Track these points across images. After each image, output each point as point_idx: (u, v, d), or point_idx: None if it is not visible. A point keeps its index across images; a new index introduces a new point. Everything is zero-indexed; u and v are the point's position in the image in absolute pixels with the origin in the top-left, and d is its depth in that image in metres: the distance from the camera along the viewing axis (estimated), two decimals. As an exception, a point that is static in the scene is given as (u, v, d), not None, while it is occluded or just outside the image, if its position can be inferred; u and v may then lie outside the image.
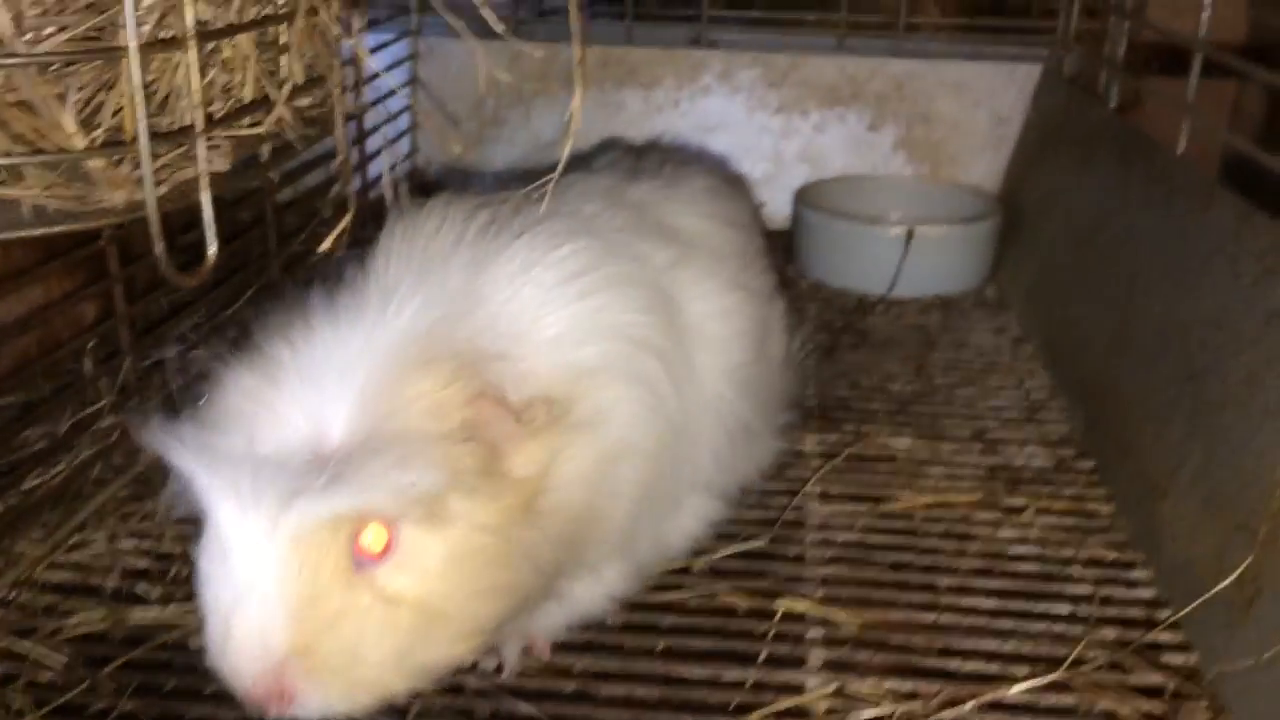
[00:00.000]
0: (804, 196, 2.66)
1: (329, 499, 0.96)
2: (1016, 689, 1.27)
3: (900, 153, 2.90)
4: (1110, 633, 1.39)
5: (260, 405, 1.02)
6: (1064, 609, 1.44)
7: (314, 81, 1.21)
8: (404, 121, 2.86)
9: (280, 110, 1.08)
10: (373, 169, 2.60)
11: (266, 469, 0.97)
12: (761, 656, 1.36)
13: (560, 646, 1.36)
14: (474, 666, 1.31)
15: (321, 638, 1.00)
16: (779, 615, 1.42)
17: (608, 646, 1.37)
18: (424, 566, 1.03)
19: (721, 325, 1.39)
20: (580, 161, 1.63)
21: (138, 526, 1.56)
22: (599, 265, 1.21)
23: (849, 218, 2.56)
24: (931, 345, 2.26)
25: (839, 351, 2.22)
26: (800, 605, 1.43)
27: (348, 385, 1.02)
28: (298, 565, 0.98)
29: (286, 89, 1.09)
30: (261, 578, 0.98)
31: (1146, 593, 1.47)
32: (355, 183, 2.38)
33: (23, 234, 0.92)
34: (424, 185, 2.84)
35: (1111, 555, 1.55)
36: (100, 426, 1.66)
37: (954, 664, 1.34)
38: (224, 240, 1.09)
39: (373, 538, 1.02)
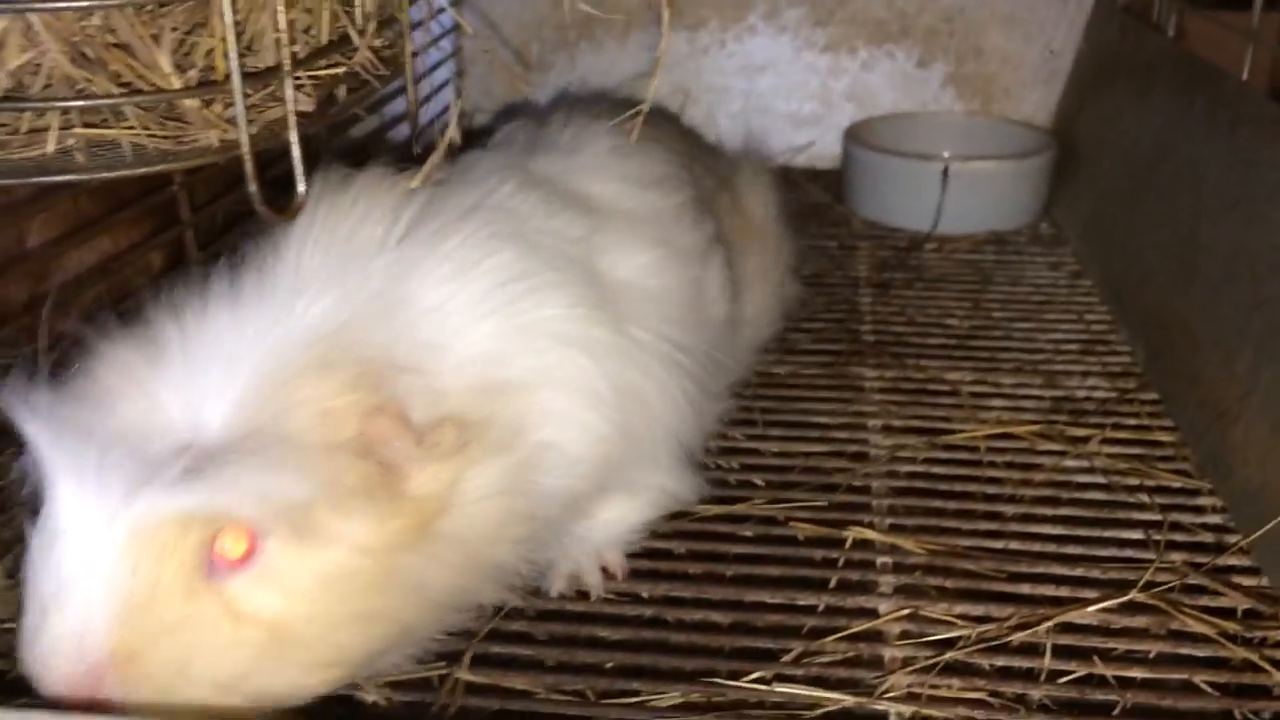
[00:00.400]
0: (854, 134, 2.64)
1: (180, 494, 0.87)
2: (1091, 609, 1.28)
3: (950, 89, 2.87)
4: (1179, 557, 1.40)
5: (134, 385, 0.93)
6: (1132, 535, 1.45)
7: (385, 22, 1.21)
8: (446, 71, 2.86)
9: (363, 50, 1.09)
10: (421, 115, 2.60)
11: (117, 450, 0.88)
12: (832, 583, 1.38)
13: (632, 574, 1.38)
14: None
15: (149, 647, 0.89)
16: (848, 543, 1.44)
17: (680, 575, 1.39)
18: (286, 585, 0.92)
19: (646, 283, 1.29)
20: (482, 135, 1.50)
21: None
22: (527, 274, 1.13)
23: (898, 155, 2.54)
24: (987, 281, 2.25)
25: (893, 288, 2.22)
26: (869, 534, 1.45)
27: (233, 377, 0.93)
28: (134, 562, 0.88)
29: (371, 27, 1.10)
30: (91, 570, 0.88)
31: (1215, 519, 1.48)
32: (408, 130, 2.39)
33: (124, 173, 0.94)
34: (469, 132, 2.85)
35: (1178, 483, 1.55)
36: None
37: (1024, 588, 1.35)
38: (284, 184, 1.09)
39: (231, 544, 0.91)
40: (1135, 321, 1.96)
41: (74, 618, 0.88)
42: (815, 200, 2.67)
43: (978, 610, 1.31)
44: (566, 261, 1.18)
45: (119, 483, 0.87)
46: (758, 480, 1.57)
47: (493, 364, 1.06)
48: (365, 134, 2.47)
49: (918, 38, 2.85)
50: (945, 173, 2.41)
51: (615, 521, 1.35)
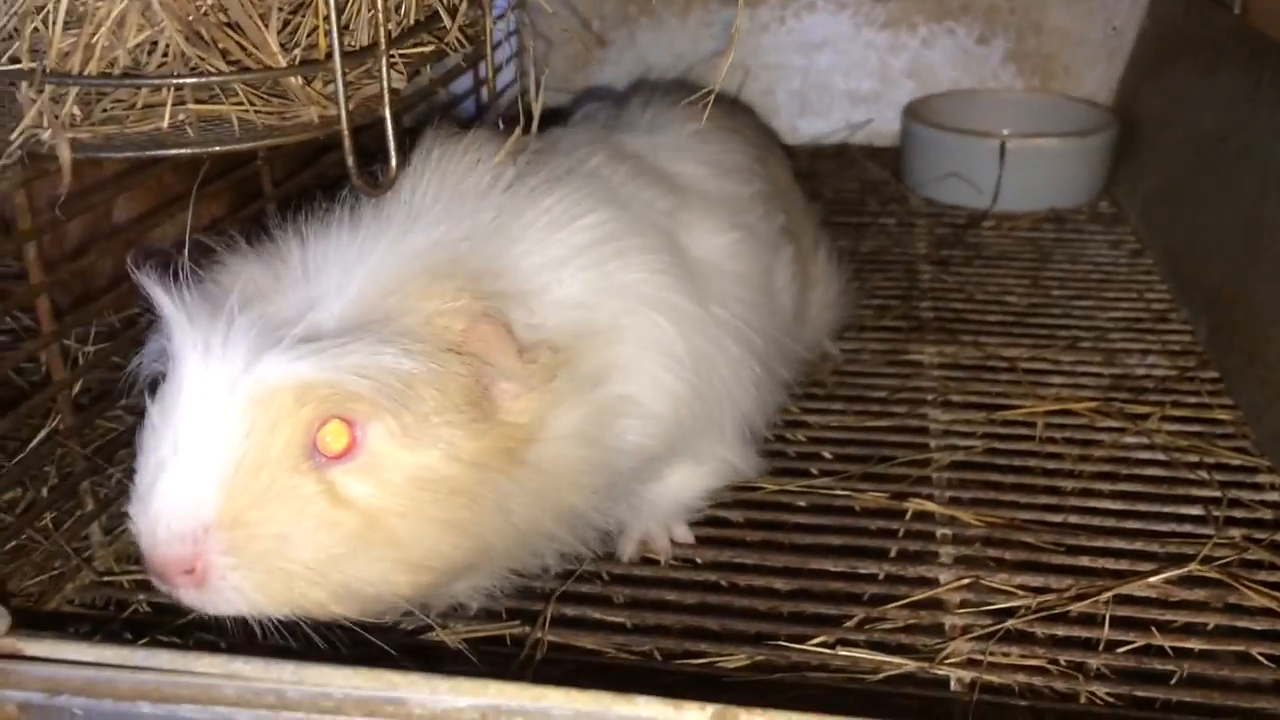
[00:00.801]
0: (913, 111, 2.65)
1: (300, 362, 0.92)
2: (1151, 580, 1.30)
3: (1010, 66, 2.86)
4: (1238, 533, 1.41)
5: (256, 285, 1.02)
6: (1191, 510, 1.47)
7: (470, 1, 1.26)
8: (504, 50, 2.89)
9: (454, 29, 1.13)
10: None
11: (243, 323, 0.94)
12: (892, 552, 1.41)
13: (697, 541, 1.42)
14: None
15: (254, 511, 0.94)
16: (909, 514, 1.47)
17: (741, 543, 1.43)
18: (384, 478, 0.98)
19: (724, 263, 1.35)
20: (557, 116, 1.54)
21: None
22: (619, 236, 1.19)
23: (956, 131, 2.54)
24: (1046, 259, 2.26)
25: (952, 265, 2.23)
26: (929, 505, 1.48)
27: (350, 281, 1.00)
28: (249, 426, 0.93)
29: (464, 5, 1.14)
30: (207, 433, 0.93)
31: (1275, 496, 1.49)
32: (470, 106, 2.44)
33: (233, 147, 1.00)
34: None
35: (1238, 460, 1.57)
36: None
37: (1083, 560, 1.38)
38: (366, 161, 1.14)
39: (333, 437, 0.97)
40: (1196, 299, 1.96)
41: (186, 478, 0.93)
42: (874, 178, 2.69)
43: (1037, 581, 1.34)
44: (654, 230, 1.25)
45: (241, 350, 0.93)
46: (821, 453, 1.61)
47: (583, 311, 1.13)
48: (428, 110, 2.51)
49: (978, 14, 2.85)
50: (1003, 149, 2.41)
51: (681, 488, 1.39)
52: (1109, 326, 1.97)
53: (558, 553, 1.23)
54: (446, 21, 1.14)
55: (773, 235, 1.50)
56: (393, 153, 1.08)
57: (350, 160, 1.03)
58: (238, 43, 0.99)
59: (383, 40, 1.04)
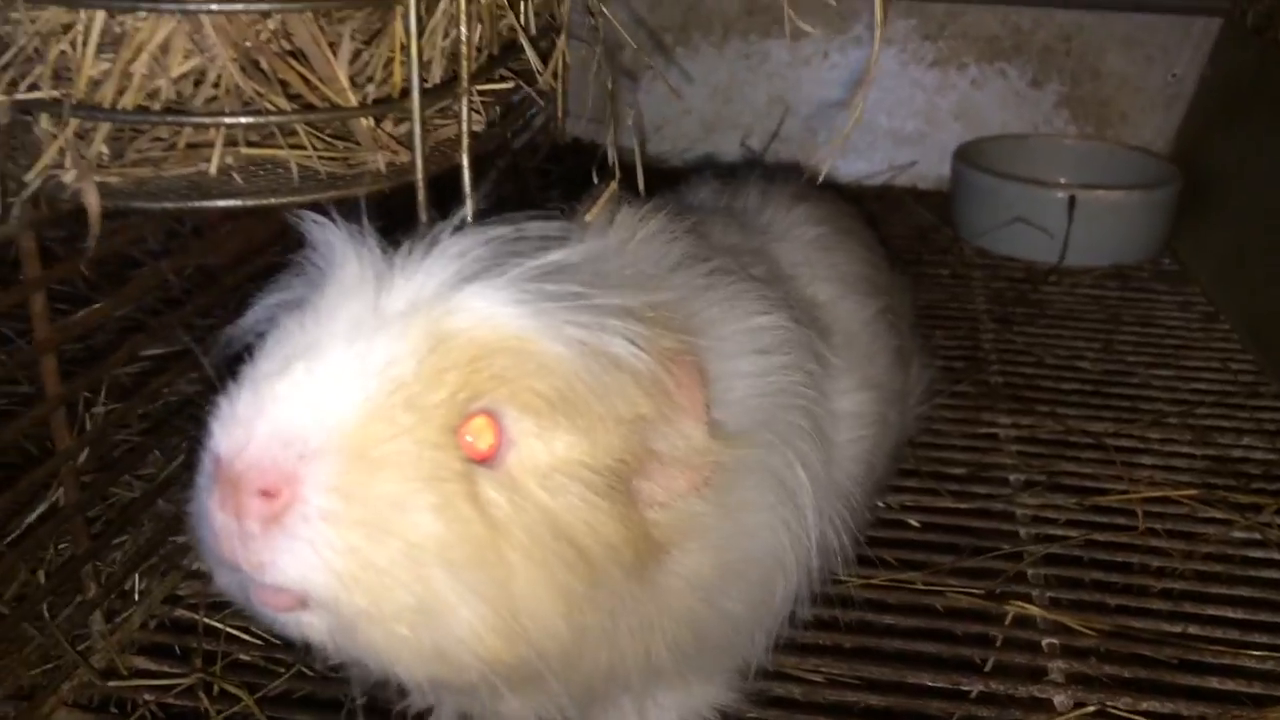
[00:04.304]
0: (964, 155, 2.51)
1: (509, 304, 0.75)
2: (1304, 718, 1.15)
3: (1063, 111, 2.73)
4: (1376, 652, 1.27)
5: None
6: (1321, 623, 1.32)
7: (542, 31, 1.10)
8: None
9: (535, 61, 0.98)
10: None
11: (452, 243, 0.77)
12: (991, 663, 1.26)
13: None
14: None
15: (381, 462, 0.73)
16: (1009, 619, 1.31)
17: (834, 649, 1.27)
18: (523, 502, 0.78)
19: (847, 429, 1.17)
20: (664, 180, 1.36)
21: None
22: (787, 349, 1.01)
23: (1016, 179, 2.40)
24: (1115, 320, 2.11)
25: (1015, 324, 2.09)
26: (1031, 609, 1.32)
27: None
28: (415, 364, 0.74)
29: (562, 41, 0.99)
30: (363, 348, 0.74)
31: None
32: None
33: (288, 200, 0.83)
34: (556, 150, 2.73)
35: (1361, 564, 1.42)
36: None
37: (1213, 682, 1.23)
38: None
39: (479, 432, 0.77)
40: (1290, 376, 1.82)
41: (322, 384, 0.72)
42: (922, 223, 2.54)
43: (1166, 708, 1.19)
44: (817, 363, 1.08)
45: (444, 270, 0.75)
46: (904, 538, 1.46)
47: (743, 416, 0.94)
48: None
49: (1032, 55, 2.72)
50: (1072, 202, 2.27)
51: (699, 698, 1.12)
52: (1195, 400, 1.82)
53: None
54: (530, 54, 0.99)
55: (895, 386, 1.34)
56: (470, 201, 0.92)
57: (424, 216, 0.87)
58: (301, 75, 0.83)
59: (465, 75, 0.89)
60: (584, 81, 2.89)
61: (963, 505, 1.54)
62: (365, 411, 0.72)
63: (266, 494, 0.70)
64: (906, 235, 2.49)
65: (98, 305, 1.07)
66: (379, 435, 0.72)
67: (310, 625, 0.75)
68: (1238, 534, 1.48)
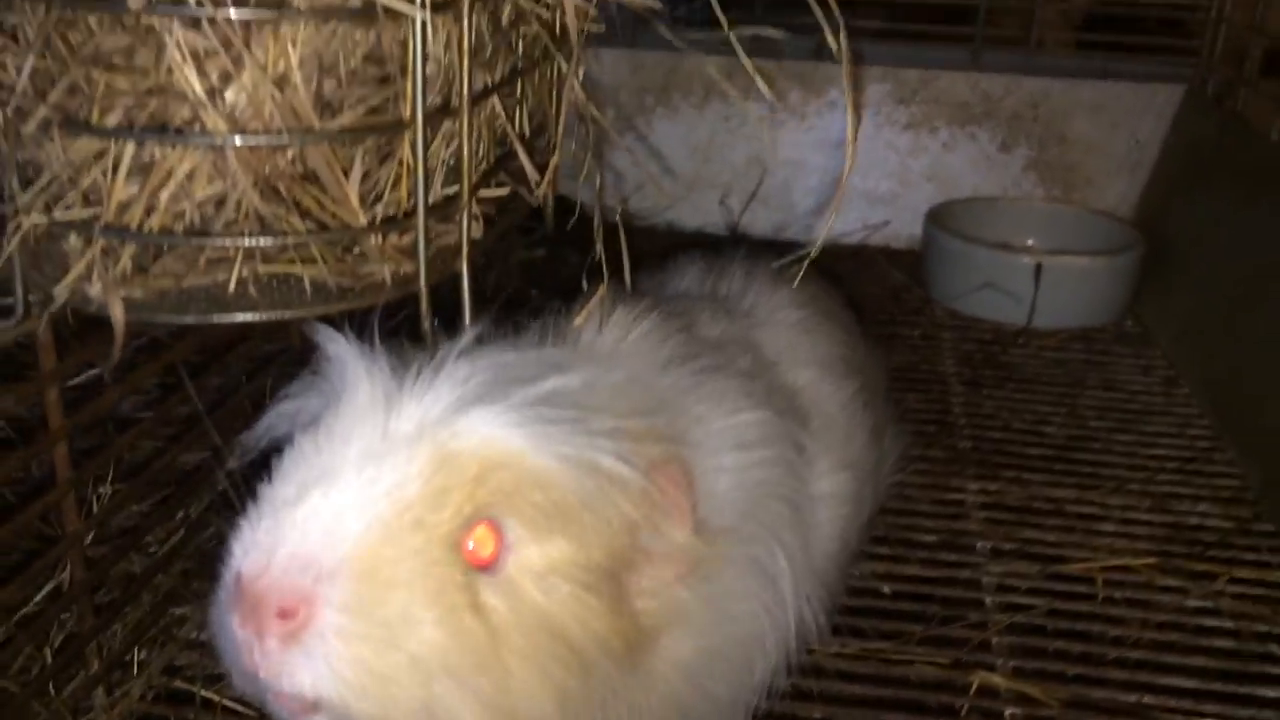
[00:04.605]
0: (936, 218, 2.59)
1: (509, 426, 0.82)
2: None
3: (1031, 174, 2.83)
4: (1321, 721, 1.34)
5: None
6: (1269, 693, 1.39)
7: (537, 131, 1.17)
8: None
9: (529, 166, 1.04)
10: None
11: (456, 368, 0.84)
12: (960, 734, 1.32)
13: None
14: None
15: (392, 580, 0.79)
16: (974, 689, 1.38)
17: (796, 718, 1.33)
18: (521, 606, 0.85)
19: (825, 510, 1.25)
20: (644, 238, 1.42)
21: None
22: (768, 443, 1.09)
23: (988, 246, 2.49)
24: (1080, 383, 2.19)
25: (984, 387, 2.16)
26: (994, 679, 1.39)
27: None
28: (421, 485, 0.80)
29: (555, 159, 1.06)
30: (372, 472, 0.80)
31: (1354, 678, 1.42)
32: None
33: (300, 313, 0.89)
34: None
35: (1310, 633, 1.49)
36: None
37: (1165, 753, 1.29)
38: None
39: (480, 541, 0.84)
40: (1245, 444, 1.90)
41: (334, 509, 0.79)
42: (894, 283, 2.62)
43: (1122, 777, 1.25)
44: (796, 453, 1.15)
45: (448, 394, 0.82)
46: (875, 606, 1.52)
47: (728, 512, 1.01)
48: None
49: (1001, 120, 2.81)
50: (1038, 269, 2.35)
51: None
52: (1154, 466, 1.90)
53: None
54: (525, 161, 1.05)
55: (870, 463, 1.40)
56: (468, 308, 0.98)
57: (427, 323, 0.93)
58: (315, 198, 0.89)
59: (466, 189, 0.95)
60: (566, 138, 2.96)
61: (931, 573, 1.60)
62: (376, 535, 0.79)
63: (285, 614, 0.76)
64: (879, 295, 2.57)
65: (108, 392, 1.13)
66: (388, 557, 0.79)
67: None
68: (1192, 603, 1.55)
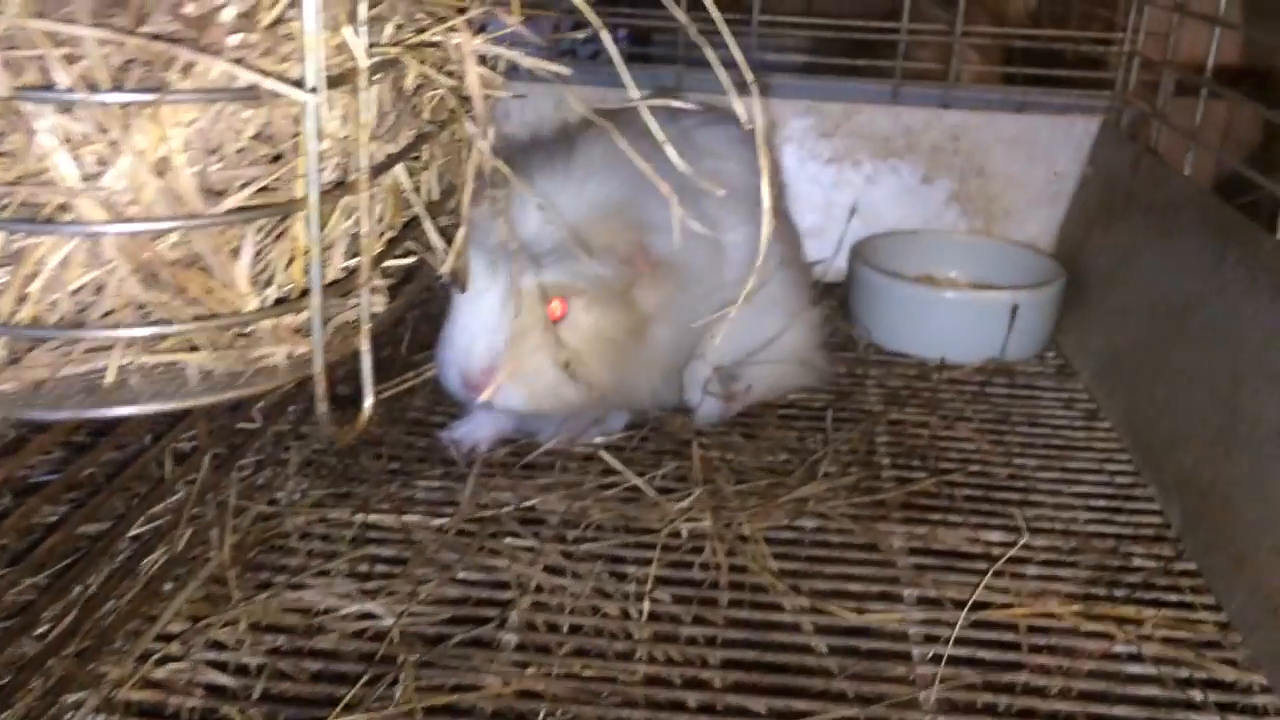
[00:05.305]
0: (859, 253, 2.60)
1: (546, 272, 1.71)
2: None
3: (953, 206, 2.85)
4: (1244, 769, 1.34)
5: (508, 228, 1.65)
6: (1193, 742, 1.39)
7: (447, 193, 1.13)
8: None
9: (432, 234, 1.01)
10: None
11: (508, 254, 1.66)
12: (889, 796, 1.30)
13: None
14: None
15: (523, 356, 1.72)
16: (903, 749, 1.36)
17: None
18: (581, 332, 1.76)
19: (734, 251, 2.00)
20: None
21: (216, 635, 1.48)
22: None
23: (909, 280, 2.49)
24: (1004, 419, 2.20)
25: (909, 426, 2.16)
26: (924, 736, 1.37)
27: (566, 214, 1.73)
28: (518, 310, 1.68)
29: (466, 200, 1.02)
30: (498, 313, 1.70)
31: (1276, 722, 1.42)
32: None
33: (187, 404, 0.84)
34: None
35: (1232, 676, 1.50)
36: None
37: (1093, 809, 1.28)
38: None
39: (556, 306, 1.74)
40: (1165, 480, 1.91)
41: (490, 335, 1.71)
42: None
43: (1049, 838, 1.24)
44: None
45: (514, 269, 1.67)
46: (807, 666, 1.50)
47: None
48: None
49: (922, 154, 2.83)
50: (959, 303, 2.36)
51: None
52: (1077, 504, 1.91)
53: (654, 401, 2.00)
54: (430, 231, 1.02)
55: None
56: (368, 390, 0.94)
57: (323, 407, 0.89)
58: (203, 284, 0.84)
59: (367, 266, 0.91)
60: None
61: (859, 622, 1.58)
62: (509, 339, 1.73)
63: (480, 386, 1.74)
64: (806, 331, 2.55)
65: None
66: (518, 345, 1.74)
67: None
68: (1119, 649, 1.55)
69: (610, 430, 2.03)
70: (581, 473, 1.92)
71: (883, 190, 2.85)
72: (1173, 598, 1.66)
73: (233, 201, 0.83)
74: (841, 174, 2.85)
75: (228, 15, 0.78)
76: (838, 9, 3.11)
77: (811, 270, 2.60)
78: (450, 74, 1.02)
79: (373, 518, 1.76)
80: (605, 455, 1.91)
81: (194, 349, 0.85)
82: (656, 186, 1.38)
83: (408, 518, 1.76)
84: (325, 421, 0.90)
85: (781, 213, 2.44)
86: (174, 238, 0.83)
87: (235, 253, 0.85)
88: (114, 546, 1.50)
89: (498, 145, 1.93)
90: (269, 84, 0.76)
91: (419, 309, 2.28)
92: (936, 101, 2.83)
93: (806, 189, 2.85)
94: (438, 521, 1.76)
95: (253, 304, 0.86)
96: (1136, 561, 1.75)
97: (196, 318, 0.83)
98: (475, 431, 1.98)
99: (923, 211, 2.84)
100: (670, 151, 1.27)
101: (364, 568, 1.65)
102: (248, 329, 0.88)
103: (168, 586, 1.53)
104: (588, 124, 1.73)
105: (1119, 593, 1.67)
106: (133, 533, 1.58)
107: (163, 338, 0.85)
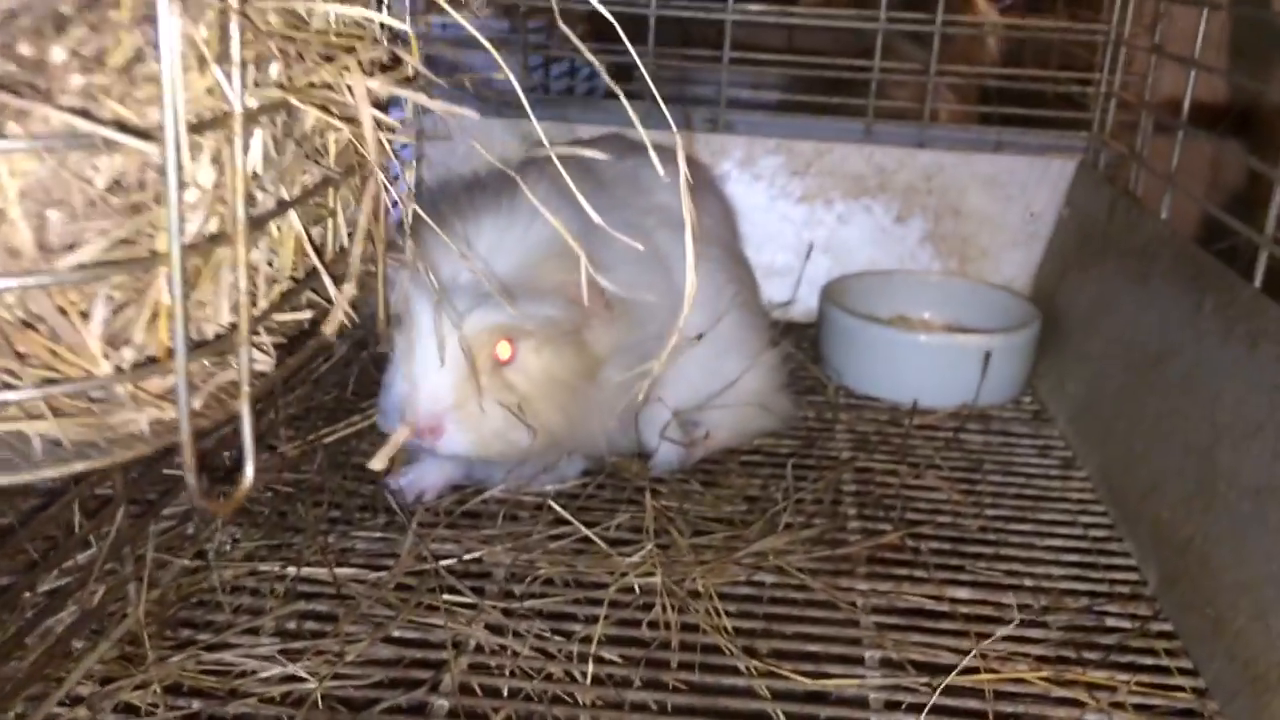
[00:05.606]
0: (830, 294, 2.53)
1: (495, 312, 1.62)
2: None
3: (927, 246, 2.78)
4: None
5: (455, 258, 1.64)
6: (1168, 821, 1.30)
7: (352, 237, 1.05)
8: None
9: (333, 289, 0.92)
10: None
11: (460, 291, 1.63)
12: None
13: None
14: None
15: (469, 400, 1.65)
16: (857, 829, 1.26)
17: None
18: (529, 375, 1.71)
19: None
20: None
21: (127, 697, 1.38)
22: (644, 261, 1.69)
23: (879, 323, 2.42)
24: (977, 467, 2.12)
25: (877, 474, 2.08)
26: (879, 815, 1.28)
27: (510, 259, 1.68)
28: (464, 351, 1.63)
29: (357, 254, 0.93)
30: (444, 354, 1.63)
31: (1255, 800, 1.33)
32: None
33: (29, 477, 0.75)
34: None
35: (1210, 749, 1.41)
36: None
37: None
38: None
39: (503, 349, 1.68)
40: (1142, 535, 1.83)
41: (433, 382, 1.65)
42: (788, 361, 2.53)
43: None
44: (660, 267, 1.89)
45: (460, 306, 1.63)
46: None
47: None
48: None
49: (896, 193, 2.77)
50: (932, 347, 2.28)
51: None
52: (1049, 559, 1.82)
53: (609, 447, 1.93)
54: (328, 284, 0.93)
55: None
56: (249, 456, 0.85)
57: (191, 479, 0.80)
58: (47, 348, 0.75)
59: (245, 324, 0.83)
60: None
61: (817, 685, 1.49)
62: (456, 382, 1.66)
63: (433, 430, 1.67)
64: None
65: None
66: (465, 389, 1.66)
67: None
68: (1090, 717, 1.46)
69: (565, 477, 1.94)
70: (531, 523, 1.83)
71: (855, 230, 2.78)
72: (1148, 661, 1.58)
73: (82, 256, 0.74)
74: (813, 213, 2.78)
75: (58, 57, 0.70)
76: (818, 47, 3.05)
77: (767, 313, 2.51)
78: (350, 119, 0.94)
79: (306, 571, 1.66)
80: (555, 505, 1.82)
81: (37, 418, 0.76)
82: (602, 226, 1.34)
83: (342, 571, 1.66)
84: (195, 494, 0.81)
85: (736, 255, 2.39)
86: (9, 298, 0.75)
87: (87, 315, 0.77)
88: (20, 600, 1.40)
89: (438, 185, 1.86)
90: (105, 132, 0.68)
91: (365, 351, 2.20)
92: (911, 140, 2.77)
93: (777, 227, 2.78)
94: (375, 575, 1.67)
95: (105, 368, 0.78)
96: (1111, 621, 1.67)
97: (47, 381, 0.75)
98: (421, 479, 1.89)
99: (896, 251, 2.78)
100: (583, 202, 1.26)
101: (292, 625, 1.55)
102: (101, 394, 0.80)
103: (79, 645, 1.44)
104: (545, 160, 1.65)
105: (1092, 655, 1.58)
106: (46, 586, 1.48)
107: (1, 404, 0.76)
